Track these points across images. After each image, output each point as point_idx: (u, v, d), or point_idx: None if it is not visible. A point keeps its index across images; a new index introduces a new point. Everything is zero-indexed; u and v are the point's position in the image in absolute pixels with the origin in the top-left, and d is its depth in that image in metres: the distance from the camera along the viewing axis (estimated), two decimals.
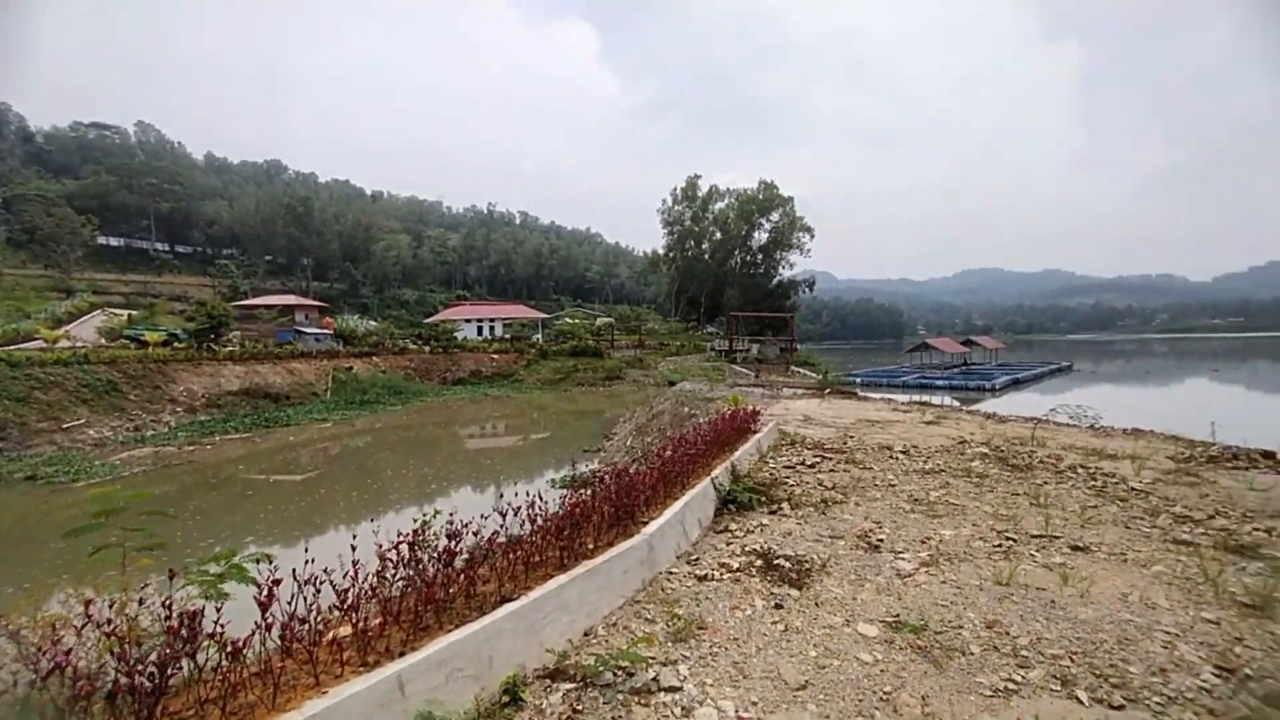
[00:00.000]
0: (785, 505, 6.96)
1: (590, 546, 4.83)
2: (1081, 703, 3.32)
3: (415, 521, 3.98)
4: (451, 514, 4.04)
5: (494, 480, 15.45)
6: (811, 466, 9.03)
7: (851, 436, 11.60)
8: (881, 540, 5.75)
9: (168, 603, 2.60)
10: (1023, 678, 3.54)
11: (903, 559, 5.26)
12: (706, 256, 74.51)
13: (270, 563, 3.23)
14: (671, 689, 3.38)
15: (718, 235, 73.70)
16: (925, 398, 25.85)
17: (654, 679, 3.44)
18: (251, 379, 28.55)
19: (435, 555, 3.75)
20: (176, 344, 30.06)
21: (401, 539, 3.68)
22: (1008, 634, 3.98)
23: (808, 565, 5.11)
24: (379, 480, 15.30)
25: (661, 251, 77.88)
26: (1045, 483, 7.90)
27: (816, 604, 4.45)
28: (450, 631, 3.29)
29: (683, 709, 3.23)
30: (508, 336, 54.16)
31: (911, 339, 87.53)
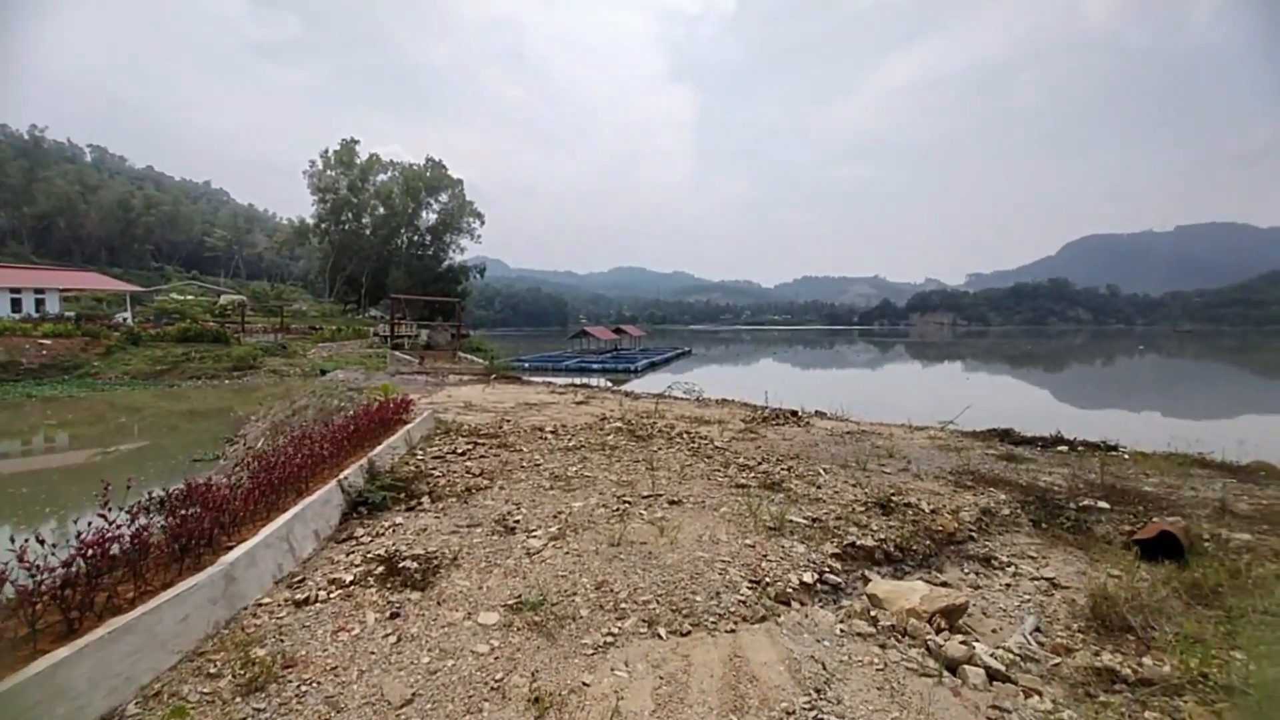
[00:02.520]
0: (426, 499, 6.53)
1: (131, 596, 3.61)
2: (661, 638, 3.87)
3: None
4: None
5: (36, 517, 10.75)
6: (463, 454, 8.78)
7: (509, 420, 11.80)
8: (518, 521, 5.85)
9: None
10: (619, 628, 3.94)
11: (535, 537, 5.43)
12: (368, 232, 67.36)
13: None
14: None
15: (381, 210, 67.25)
16: (583, 380, 28.39)
17: None
18: None
19: None
20: None
21: None
22: (612, 591, 4.41)
23: (437, 562, 4.82)
24: None
25: (311, 221, 67.21)
26: (659, 449, 9.33)
27: (439, 603, 4.20)
28: None
29: None
30: (72, 315, 39.28)
31: (574, 327, 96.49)
